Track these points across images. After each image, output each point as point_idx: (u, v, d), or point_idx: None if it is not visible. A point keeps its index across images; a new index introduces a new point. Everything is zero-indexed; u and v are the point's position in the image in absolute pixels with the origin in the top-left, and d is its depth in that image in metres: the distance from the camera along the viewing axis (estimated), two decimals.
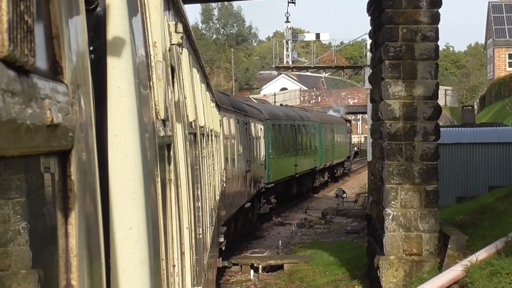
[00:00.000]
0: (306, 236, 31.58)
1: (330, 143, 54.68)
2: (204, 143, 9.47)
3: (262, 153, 34.42)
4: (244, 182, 27.68)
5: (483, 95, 66.32)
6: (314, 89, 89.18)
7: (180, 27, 4.51)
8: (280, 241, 27.83)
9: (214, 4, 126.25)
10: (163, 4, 3.78)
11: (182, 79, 5.82)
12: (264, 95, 79.27)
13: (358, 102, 74.69)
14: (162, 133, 3.34)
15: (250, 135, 29.92)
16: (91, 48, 2.62)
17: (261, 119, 34.78)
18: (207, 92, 11.98)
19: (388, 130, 17.06)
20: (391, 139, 17.05)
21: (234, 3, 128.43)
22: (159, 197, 2.98)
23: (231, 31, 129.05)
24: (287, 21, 48.12)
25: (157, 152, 3.02)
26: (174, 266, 3.85)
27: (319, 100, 74.84)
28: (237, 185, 25.48)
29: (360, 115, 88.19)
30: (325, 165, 52.39)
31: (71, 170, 1.61)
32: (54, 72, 1.60)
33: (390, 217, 16.76)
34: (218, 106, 19.47)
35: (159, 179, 3.00)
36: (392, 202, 16.77)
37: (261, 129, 34.32)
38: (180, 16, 6.33)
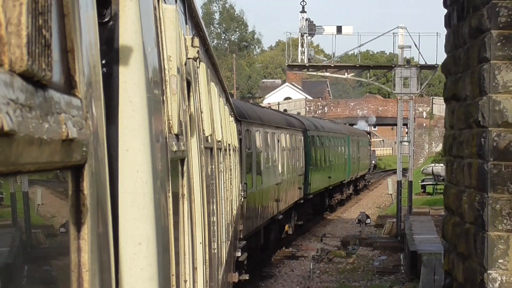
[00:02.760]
0: (326, 275, 26.00)
1: (356, 155, 56.65)
2: (221, 157, 9.58)
3: (301, 164, 34.82)
4: (274, 195, 27.52)
5: None
6: (320, 98, 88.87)
7: (196, 41, 4.59)
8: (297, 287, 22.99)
9: (215, 7, 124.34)
10: (179, 18, 3.86)
11: (199, 93, 5.91)
12: (268, 103, 78.83)
13: (367, 113, 74.63)
14: (175, 148, 3.40)
15: (284, 147, 29.97)
16: (103, 62, 2.69)
17: (300, 129, 35.54)
18: (226, 106, 12.09)
19: (495, 143, 11.45)
20: (500, 157, 11.40)
21: (237, 6, 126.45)
22: (170, 212, 3.04)
23: (233, 36, 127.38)
24: (303, 11, 42.06)
25: (169, 167, 3.08)
26: (185, 281, 3.92)
27: (325, 111, 74.56)
28: (264, 198, 25.32)
29: (368, 127, 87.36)
30: (352, 177, 54.28)
31: (84, 185, 1.66)
32: (69, 86, 1.66)
33: (497, 285, 11.32)
34: (238, 120, 19.56)
35: (170, 194, 3.06)
36: (500, 261, 11.31)
37: (300, 140, 34.97)
38: (198, 30, 6.43)
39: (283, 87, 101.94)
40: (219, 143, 8.76)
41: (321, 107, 76.12)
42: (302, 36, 38.56)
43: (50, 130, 1.47)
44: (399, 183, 33.57)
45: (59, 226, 1.76)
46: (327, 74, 38.14)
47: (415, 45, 35.47)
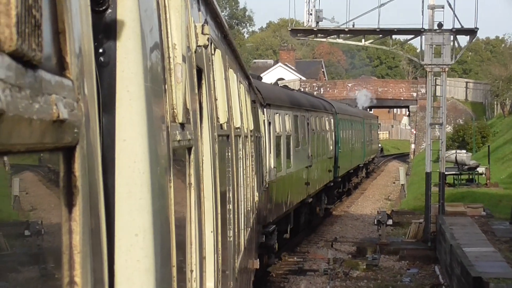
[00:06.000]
0: None
1: (369, 139, 59.04)
2: (240, 144, 9.76)
3: (330, 147, 36.26)
4: (304, 179, 28.27)
5: None
6: (315, 79, 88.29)
7: (207, 29, 4.70)
8: None
9: None
10: (187, 5, 3.95)
11: (213, 81, 6.04)
12: None
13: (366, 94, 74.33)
14: (179, 137, 3.48)
15: (314, 130, 30.90)
16: (100, 51, 2.78)
17: (330, 112, 36.99)
18: (247, 92, 12.34)
19: None
20: None
21: None
22: (171, 202, 3.11)
23: (222, 13, 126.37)
24: None
25: (170, 156, 3.16)
26: (192, 271, 4.01)
27: (321, 92, 73.72)
28: (293, 182, 26.00)
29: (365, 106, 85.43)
30: (366, 161, 56.30)
31: (76, 166, 1.75)
32: (60, 67, 1.75)
33: None
34: (262, 105, 20.02)
35: (172, 184, 3.14)
36: None
37: (330, 122, 36.35)
38: (214, 17, 6.60)
39: (276, 67, 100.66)
40: (238, 130, 8.95)
41: (316, 88, 74.96)
42: None
43: (40, 111, 1.56)
44: (428, 176, 27.88)
45: (49, 210, 1.85)
46: (340, 41, 31.66)
47: (449, 4, 28.61)
